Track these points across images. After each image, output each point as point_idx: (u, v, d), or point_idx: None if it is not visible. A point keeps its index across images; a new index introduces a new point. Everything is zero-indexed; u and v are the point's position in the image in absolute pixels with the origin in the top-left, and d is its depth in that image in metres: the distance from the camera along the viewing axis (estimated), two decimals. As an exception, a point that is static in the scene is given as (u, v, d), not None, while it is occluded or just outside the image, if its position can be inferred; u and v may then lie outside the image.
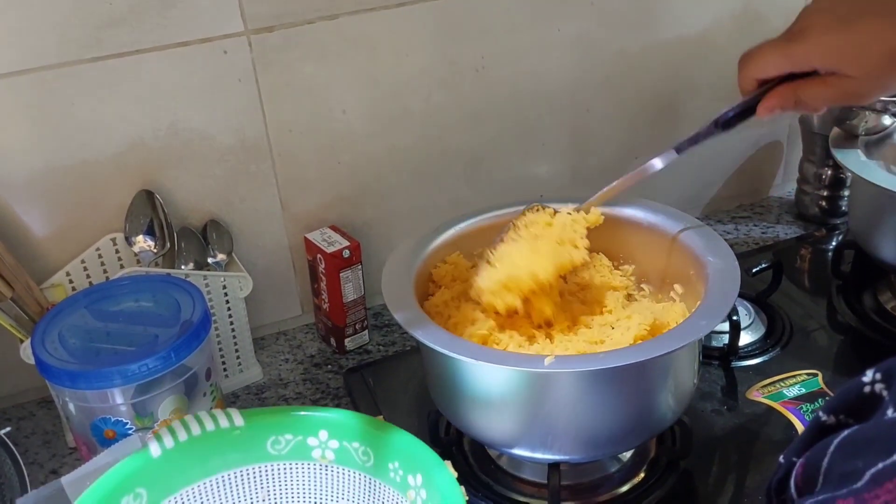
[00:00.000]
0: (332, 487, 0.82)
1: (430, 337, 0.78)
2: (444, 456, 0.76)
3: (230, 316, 1.05)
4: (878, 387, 0.48)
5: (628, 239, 0.95)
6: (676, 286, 0.90)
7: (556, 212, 0.91)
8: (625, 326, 0.84)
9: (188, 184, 1.04)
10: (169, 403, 0.87)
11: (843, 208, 1.33)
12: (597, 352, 0.82)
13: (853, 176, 1.08)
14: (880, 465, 0.44)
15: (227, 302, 1.04)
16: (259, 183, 1.07)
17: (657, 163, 0.86)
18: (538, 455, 0.83)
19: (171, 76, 0.98)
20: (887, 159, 1.09)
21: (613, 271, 0.96)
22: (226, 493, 0.81)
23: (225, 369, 1.07)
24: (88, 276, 1.01)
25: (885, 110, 1.11)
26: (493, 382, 0.80)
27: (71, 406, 0.86)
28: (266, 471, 0.82)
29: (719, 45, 1.24)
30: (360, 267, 1.08)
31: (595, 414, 0.79)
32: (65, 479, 0.77)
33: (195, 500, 0.79)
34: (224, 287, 1.02)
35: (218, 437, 0.80)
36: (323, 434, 0.81)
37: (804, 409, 0.96)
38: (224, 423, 0.80)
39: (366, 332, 1.14)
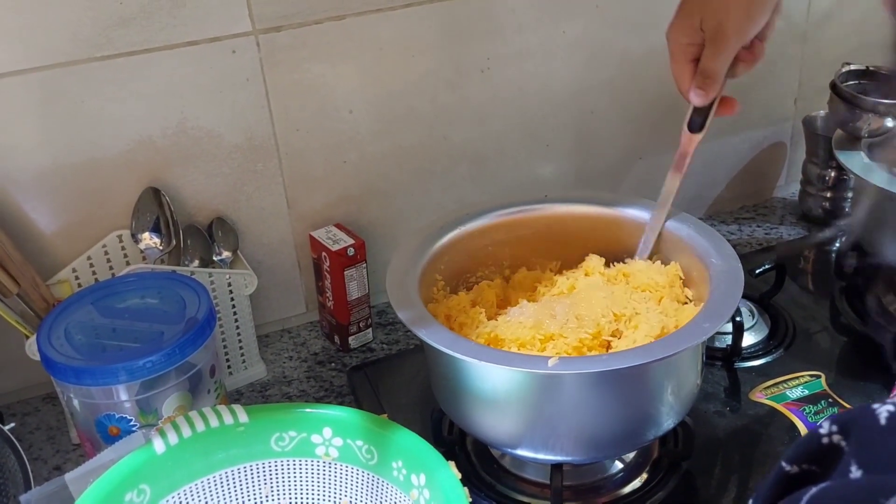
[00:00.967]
0: (336, 485, 0.82)
1: (433, 336, 0.78)
2: (446, 455, 0.77)
3: (235, 313, 1.05)
4: (836, 438, 0.47)
5: (629, 240, 0.96)
6: (687, 290, 0.90)
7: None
8: (630, 339, 0.83)
9: (195, 182, 1.04)
10: (173, 400, 0.88)
11: (846, 210, 1.33)
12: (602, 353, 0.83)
13: (856, 178, 1.09)
14: None
15: (232, 299, 1.04)
16: (265, 181, 1.08)
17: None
18: (541, 456, 0.83)
19: (179, 75, 0.98)
20: (890, 161, 1.09)
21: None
22: (229, 490, 0.81)
23: (229, 366, 1.07)
24: (94, 273, 1.02)
25: (888, 112, 1.12)
26: (497, 383, 0.80)
27: (75, 402, 0.87)
28: (269, 467, 0.82)
29: (724, 48, 1.24)
30: (364, 265, 1.09)
31: (598, 415, 0.80)
32: (68, 476, 0.77)
33: (198, 497, 0.80)
34: (229, 284, 1.03)
35: (222, 434, 0.80)
36: (327, 431, 0.81)
37: (807, 410, 0.96)
38: (228, 419, 0.81)
39: (370, 330, 1.14)
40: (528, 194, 1.01)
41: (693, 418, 0.91)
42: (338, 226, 1.10)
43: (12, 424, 0.88)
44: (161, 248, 1.01)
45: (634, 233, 0.95)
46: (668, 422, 0.84)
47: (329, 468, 0.82)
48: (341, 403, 1.03)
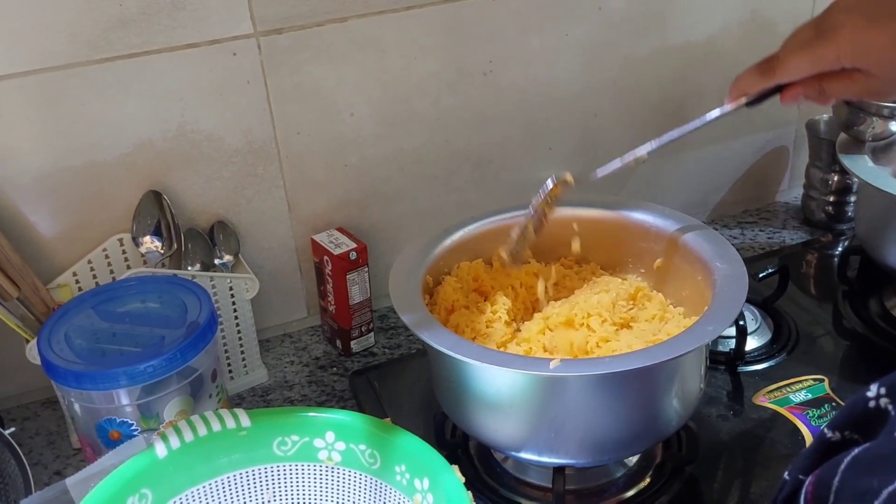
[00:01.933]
0: (338, 489, 0.82)
1: (436, 339, 0.77)
2: (449, 460, 0.76)
3: (236, 317, 1.05)
4: (884, 402, 0.47)
5: (634, 244, 0.95)
6: (678, 308, 0.91)
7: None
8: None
9: (196, 185, 1.04)
10: (175, 405, 0.87)
11: (850, 214, 1.32)
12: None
13: (860, 182, 1.08)
14: None
15: (234, 303, 1.04)
16: (266, 185, 1.07)
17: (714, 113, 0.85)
18: (544, 459, 0.83)
19: (179, 77, 0.98)
20: (894, 165, 1.09)
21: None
22: (231, 494, 0.81)
23: (230, 371, 1.07)
24: (95, 277, 1.02)
25: (892, 116, 1.11)
26: (499, 385, 0.80)
27: (76, 407, 0.86)
28: (272, 472, 0.82)
29: (727, 52, 1.24)
30: (366, 269, 1.08)
31: (601, 418, 0.79)
32: (69, 481, 0.76)
33: (200, 501, 0.79)
34: (230, 289, 1.02)
35: (224, 438, 0.80)
36: (329, 436, 0.81)
37: (810, 414, 0.96)
38: (230, 423, 0.80)
39: (371, 334, 1.14)
40: (531, 198, 1.00)
41: (696, 422, 0.90)
42: (340, 229, 1.10)
43: (12, 429, 0.88)
44: (162, 251, 1.00)
45: (638, 236, 0.95)
46: (672, 425, 0.83)
47: (331, 473, 0.81)
48: (343, 408, 1.03)
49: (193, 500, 0.79)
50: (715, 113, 0.84)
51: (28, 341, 0.92)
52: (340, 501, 0.82)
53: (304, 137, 1.06)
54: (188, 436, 0.79)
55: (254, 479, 0.81)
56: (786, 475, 0.55)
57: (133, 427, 0.86)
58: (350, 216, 1.13)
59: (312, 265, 1.12)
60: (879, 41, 0.73)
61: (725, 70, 1.23)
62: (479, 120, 1.14)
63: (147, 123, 0.99)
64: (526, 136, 1.18)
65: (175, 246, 1.01)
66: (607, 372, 0.74)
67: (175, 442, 0.78)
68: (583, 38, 1.15)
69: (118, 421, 0.86)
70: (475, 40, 1.10)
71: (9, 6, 0.89)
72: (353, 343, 1.12)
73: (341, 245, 1.07)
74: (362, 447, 0.80)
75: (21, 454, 0.86)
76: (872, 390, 0.48)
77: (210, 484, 0.80)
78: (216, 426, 0.80)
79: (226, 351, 1.05)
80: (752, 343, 1.06)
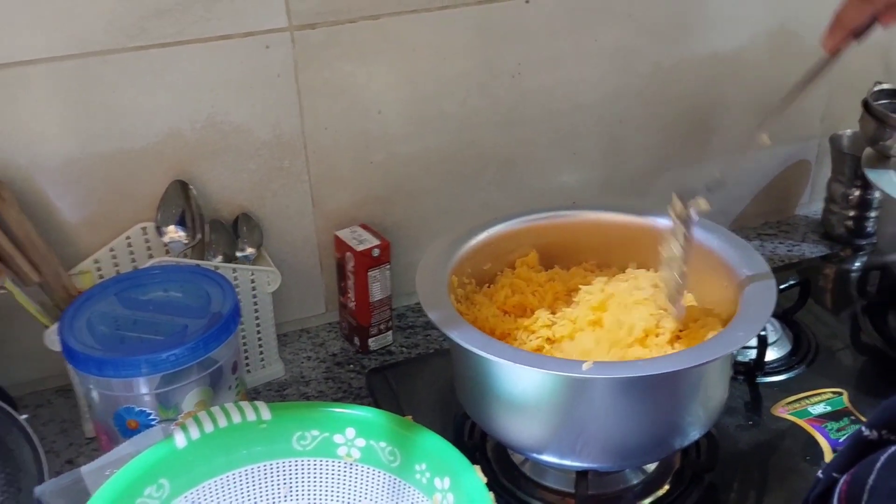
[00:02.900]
0: (357, 486, 0.81)
1: (465, 338, 0.77)
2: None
3: (256, 311, 1.04)
4: None
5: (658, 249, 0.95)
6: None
7: None
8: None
9: (222, 176, 1.04)
10: (194, 396, 0.87)
11: (869, 229, 1.32)
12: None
13: (885, 196, 1.08)
14: None
15: (255, 296, 1.03)
16: (292, 179, 1.07)
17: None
18: (566, 462, 0.82)
19: (212, 68, 0.98)
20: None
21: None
22: (248, 488, 0.81)
23: (247, 364, 1.06)
24: (117, 265, 1.01)
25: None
26: (528, 386, 0.79)
27: (95, 394, 0.86)
28: (290, 466, 0.81)
29: (754, 63, 1.24)
30: (388, 267, 1.08)
31: (628, 422, 0.79)
32: (84, 469, 0.76)
33: (217, 493, 0.79)
34: (252, 281, 1.02)
35: (244, 430, 0.79)
36: (350, 432, 0.80)
37: (829, 427, 0.96)
38: (251, 416, 0.80)
39: (390, 332, 1.13)
40: (553, 201, 1.00)
41: (715, 431, 0.90)
42: (363, 226, 1.10)
43: (25, 416, 0.88)
44: (186, 241, 1.00)
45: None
46: (695, 431, 0.83)
47: (350, 469, 0.81)
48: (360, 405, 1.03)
49: (209, 493, 0.79)
50: (825, 59, 0.82)
51: (47, 327, 0.92)
52: (358, 499, 0.81)
53: (332, 133, 1.06)
54: (208, 427, 0.78)
55: (271, 473, 0.81)
56: (819, 473, 0.55)
57: (151, 416, 0.86)
58: (373, 213, 1.13)
59: (333, 260, 1.11)
60: None
61: (751, 82, 1.24)
62: (506, 122, 1.14)
63: (177, 113, 0.99)
64: (551, 139, 1.18)
65: (199, 236, 1.01)
66: (640, 375, 0.74)
67: (195, 433, 0.78)
68: (612, 44, 1.15)
69: (137, 410, 0.85)
70: (505, 42, 1.09)
71: (48, -8, 0.89)
72: (370, 341, 1.12)
73: (364, 241, 1.07)
74: (383, 444, 0.80)
75: (35, 440, 0.86)
76: None
77: (227, 476, 0.80)
78: (236, 418, 0.79)
79: (244, 344, 1.05)
80: (771, 354, 1.06)
